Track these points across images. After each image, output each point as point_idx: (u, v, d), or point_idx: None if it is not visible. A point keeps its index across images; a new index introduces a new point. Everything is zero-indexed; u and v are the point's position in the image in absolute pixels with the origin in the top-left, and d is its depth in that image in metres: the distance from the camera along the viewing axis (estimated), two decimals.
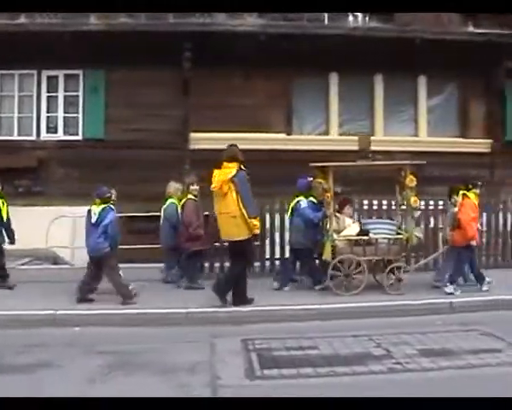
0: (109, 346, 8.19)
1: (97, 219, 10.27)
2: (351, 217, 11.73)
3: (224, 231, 10.10)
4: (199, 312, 9.77)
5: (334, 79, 14.99)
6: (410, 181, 11.05)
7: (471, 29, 14.51)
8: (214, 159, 13.47)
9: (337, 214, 11.32)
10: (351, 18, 14.68)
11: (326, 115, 15.28)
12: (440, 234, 12.69)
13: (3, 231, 11.37)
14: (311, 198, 11.51)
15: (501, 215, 13.66)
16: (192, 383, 6.67)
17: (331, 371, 7.10)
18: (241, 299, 10.02)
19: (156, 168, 13.83)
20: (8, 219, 11.46)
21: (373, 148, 14.75)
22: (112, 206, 10.49)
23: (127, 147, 14.09)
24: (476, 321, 9.51)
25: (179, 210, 11.73)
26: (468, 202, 11.13)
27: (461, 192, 11.24)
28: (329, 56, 13.81)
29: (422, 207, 13.18)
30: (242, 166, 9.95)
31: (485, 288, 11.14)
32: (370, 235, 11.15)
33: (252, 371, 7.15)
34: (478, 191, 11.46)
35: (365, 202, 13.06)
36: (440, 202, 13.43)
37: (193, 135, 14.41)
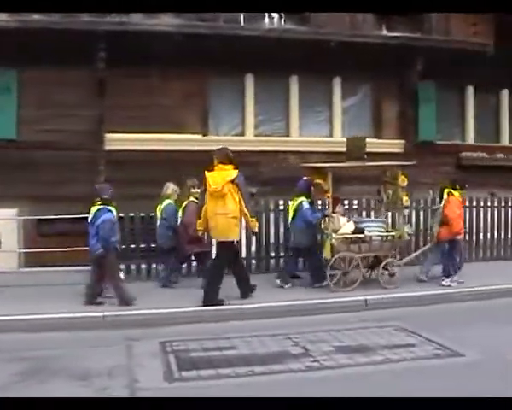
0: (23, 353, 7.96)
1: (92, 219, 10.26)
2: (343, 216, 12.06)
3: (220, 231, 10.28)
4: (115, 315, 9.62)
5: (249, 80, 15.01)
6: (402, 181, 11.89)
7: (385, 32, 14.78)
8: (130, 160, 13.47)
9: (331, 214, 11.64)
10: (267, 20, 14.75)
11: (242, 116, 15.29)
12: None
13: None
14: (309, 199, 11.88)
15: (414, 213, 14.02)
16: (110, 387, 6.59)
17: (249, 370, 7.14)
18: (213, 298, 10.19)
19: (70, 170, 13.56)
20: None
21: (288, 149, 15.02)
22: (110, 207, 10.34)
23: (40, 148, 13.72)
24: (390, 317, 9.77)
25: (180, 212, 11.82)
26: (454, 200, 11.91)
27: (446, 190, 11.97)
28: (245, 57, 13.83)
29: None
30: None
31: (444, 283, 11.71)
32: (365, 233, 11.58)
33: (170, 374, 7.11)
34: (464, 192, 12.33)
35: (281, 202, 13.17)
36: (355, 202, 13.72)
37: (108, 136, 14.17)
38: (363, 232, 11.58)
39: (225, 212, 10.09)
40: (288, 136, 15.37)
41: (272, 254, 13.15)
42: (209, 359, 7.63)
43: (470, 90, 17.26)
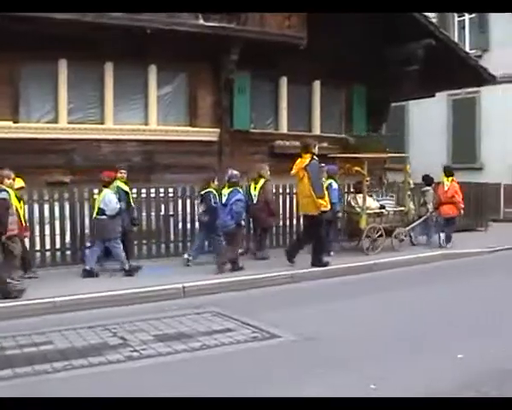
0: None
1: (226, 200, 12.29)
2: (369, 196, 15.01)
3: (302, 207, 13.13)
4: None
5: (63, 65, 14.48)
6: (408, 168, 15.54)
7: (201, 21, 14.79)
8: None
9: (356, 195, 14.85)
10: None
11: (55, 103, 14.74)
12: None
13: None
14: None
15: None
16: None
17: (68, 364, 6.97)
18: (321, 260, 12.65)
19: None
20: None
21: (103, 136, 14.74)
22: (239, 188, 12.60)
23: None
24: (209, 303, 9.93)
25: (256, 192, 13.65)
26: (456, 185, 15.50)
27: (450, 178, 15.47)
28: (59, 42, 13.30)
29: (153, 196, 13.53)
30: (314, 157, 12.57)
31: (449, 245, 15.26)
32: (387, 208, 14.91)
33: None
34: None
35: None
36: (170, 190, 13.77)
37: None
38: (384, 208, 14.85)
39: (302, 192, 12.66)
40: (102, 123, 15.06)
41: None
42: (25, 355, 7.35)
43: (284, 81, 17.78)
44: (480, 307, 9.58)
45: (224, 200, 12.38)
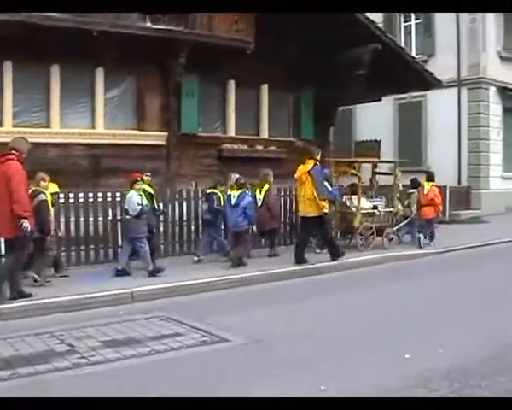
0: None
1: (236, 201, 13.05)
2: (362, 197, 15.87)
3: (302, 209, 13.62)
4: None
5: (7, 68, 14.24)
6: (398, 172, 16.58)
7: (149, 24, 14.68)
8: None
9: (352, 196, 15.84)
10: None
11: None
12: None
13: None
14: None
15: (177, 205, 14.31)
16: None
17: (13, 373, 6.81)
18: (337, 251, 13.63)
19: None
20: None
21: (49, 140, 14.52)
22: (247, 191, 13.40)
23: None
24: (158, 308, 9.87)
25: (261, 196, 14.24)
26: (436, 189, 16.39)
27: (430, 182, 16.38)
28: (4, 44, 13.05)
29: (100, 200, 13.36)
30: (317, 162, 13.40)
31: (432, 243, 16.15)
32: (379, 208, 15.87)
33: None
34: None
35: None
36: (118, 194, 13.60)
37: None
38: (376, 208, 15.84)
39: (304, 195, 13.33)
40: (48, 127, 14.85)
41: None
42: None
43: (232, 84, 17.81)
44: (432, 306, 9.73)
45: (233, 201, 13.15)
